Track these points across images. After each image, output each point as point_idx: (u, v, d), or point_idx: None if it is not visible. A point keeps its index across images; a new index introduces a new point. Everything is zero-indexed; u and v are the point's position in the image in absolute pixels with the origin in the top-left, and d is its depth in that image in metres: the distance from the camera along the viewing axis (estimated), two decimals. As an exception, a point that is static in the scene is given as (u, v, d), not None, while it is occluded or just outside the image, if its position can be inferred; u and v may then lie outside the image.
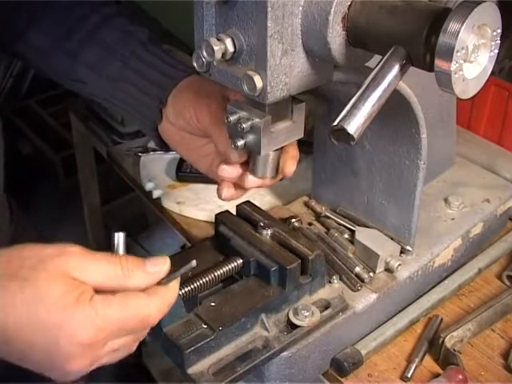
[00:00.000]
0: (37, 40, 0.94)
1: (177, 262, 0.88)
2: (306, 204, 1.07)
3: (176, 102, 0.86)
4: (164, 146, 0.93)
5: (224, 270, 0.84)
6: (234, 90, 0.74)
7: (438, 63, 0.59)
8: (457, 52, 0.58)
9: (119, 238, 0.69)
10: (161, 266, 0.66)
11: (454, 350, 0.87)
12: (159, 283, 0.66)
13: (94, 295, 0.62)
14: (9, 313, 0.60)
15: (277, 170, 0.82)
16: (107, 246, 0.73)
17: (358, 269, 0.90)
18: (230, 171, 0.82)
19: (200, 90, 0.84)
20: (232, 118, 0.77)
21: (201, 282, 0.81)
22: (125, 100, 0.91)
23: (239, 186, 0.84)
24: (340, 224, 1.00)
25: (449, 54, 0.58)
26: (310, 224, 1.01)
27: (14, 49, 0.98)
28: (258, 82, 0.68)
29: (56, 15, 0.94)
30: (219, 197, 0.85)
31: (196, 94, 0.84)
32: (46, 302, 0.60)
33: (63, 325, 0.60)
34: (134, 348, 0.68)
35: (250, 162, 0.82)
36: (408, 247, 0.94)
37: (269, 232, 0.87)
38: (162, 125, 0.89)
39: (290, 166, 0.82)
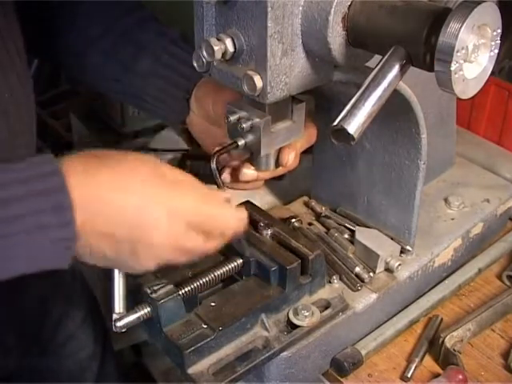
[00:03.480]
0: (72, 41, 0.98)
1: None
2: (306, 204, 1.07)
3: (198, 92, 0.91)
4: (188, 142, 0.96)
5: (224, 269, 0.83)
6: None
7: (438, 63, 0.60)
8: (457, 52, 0.58)
9: None
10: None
11: (454, 350, 0.87)
12: None
13: None
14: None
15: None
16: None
17: (358, 269, 0.90)
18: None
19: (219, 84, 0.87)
20: (232, 118, 0.77)
21: (201, 281, 0.81)
22: (155, 95, 0.95)
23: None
24: (340, 224, 0.99)
25: (449, 54, 0.58)
26: (310, 224, 1.01)
27: (50, 51, 1.01)
28: (258, 81, 0.68)
29: (91, 17, 0.97)
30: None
31: (215, 87, 0.87)
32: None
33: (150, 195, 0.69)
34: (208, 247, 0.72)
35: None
36: (408, 247, 0.94)
37: (269, 232, 0.87)
38: (189, 117, 0.93)
39: (285, 156, 0.84)
